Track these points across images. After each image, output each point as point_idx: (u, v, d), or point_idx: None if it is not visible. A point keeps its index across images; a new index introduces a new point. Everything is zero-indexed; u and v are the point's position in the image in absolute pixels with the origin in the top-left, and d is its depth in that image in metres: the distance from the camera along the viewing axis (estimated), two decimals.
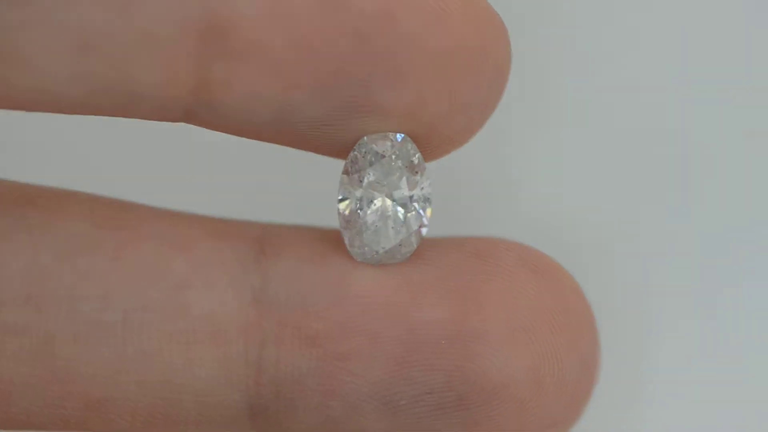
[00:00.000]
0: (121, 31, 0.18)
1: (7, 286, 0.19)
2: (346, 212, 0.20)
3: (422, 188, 0.20)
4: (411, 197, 0.20)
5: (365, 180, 0.20)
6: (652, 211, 0.26)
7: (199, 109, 0.19)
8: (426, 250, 0.20)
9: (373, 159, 0.20)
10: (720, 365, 0.25)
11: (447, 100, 0.19)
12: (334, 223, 0.20)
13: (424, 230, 0.20)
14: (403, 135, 0.20)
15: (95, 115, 0.19)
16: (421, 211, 0.20)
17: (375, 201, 0.20)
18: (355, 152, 0.20)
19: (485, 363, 0.19)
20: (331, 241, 0.20)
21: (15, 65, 0.18)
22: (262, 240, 0.20)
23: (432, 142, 0.20)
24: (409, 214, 0.20)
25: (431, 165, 0.20)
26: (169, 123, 0.19)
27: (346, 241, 0.20)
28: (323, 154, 0.20)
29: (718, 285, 0.26)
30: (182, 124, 0.19)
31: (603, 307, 0.21)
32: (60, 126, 0.21)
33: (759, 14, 0.27)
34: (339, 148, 0.20)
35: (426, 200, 0.20)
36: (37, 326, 0.19)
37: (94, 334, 0.19)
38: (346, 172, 0.20)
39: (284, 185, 0.22)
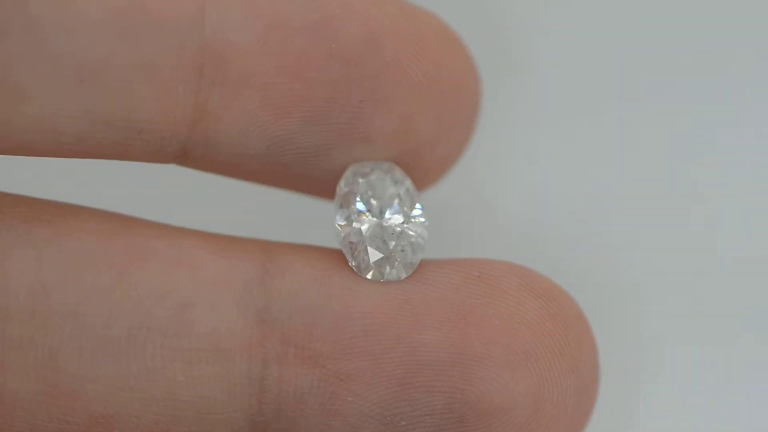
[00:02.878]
0: (120, 61, 0.18)
1: (12, 301, 0.19)
2: (345, 236, 0.20)
3: (413, 210, 0.20)
4: (403, 219, 0.20)
5: (356, 207, 0.20)
6: (647, 224, 0.26)
7: (195, 144, 0.19)
8: (428, 271, 0.20)
9: (362, 187, 0.20)
10: (719, 381, 0.25)
11: (431, 125, 0.20)
12: (337, 242, 0.20)
13: (422, 240, 0.20)
14: (390, 163, 0.20)
15: (93, 157, 0.19)
16: (417, 228, 0.20)
17: (371, 226, 0.20)
18: (344, 182, 0.20)
19: (485, 386, 0.19)
20: (334, 260, 0.20)
21: (15, 98, 0.18)
22: (267, 259, 0.20)
23: (418, 170, 0.20)
24: (406, 228, 0.20)
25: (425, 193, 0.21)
26: None
27: (352, 264, 0.20)
28: (309, 192, 0.21)
29: (715, 304, 0.26)
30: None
31: (600, 325, 0.21)
32: None
33: (759, 15, 0.27)
34: (324, 184, 0.20)
35: (419, 219, 0.20)
36: (41, 342, 0.19)
37: (99, 350, 0.19)
38: (337, 201, 0.20)
39: (289, 204, 0.22)
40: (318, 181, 0.20)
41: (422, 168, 0.21)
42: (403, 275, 0.20)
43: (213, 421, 0.20)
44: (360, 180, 0.20)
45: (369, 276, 0.20)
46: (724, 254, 0.26)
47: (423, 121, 0.20)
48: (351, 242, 0.20)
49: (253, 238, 0.21)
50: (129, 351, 0.19)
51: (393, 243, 0.20)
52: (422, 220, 0.20)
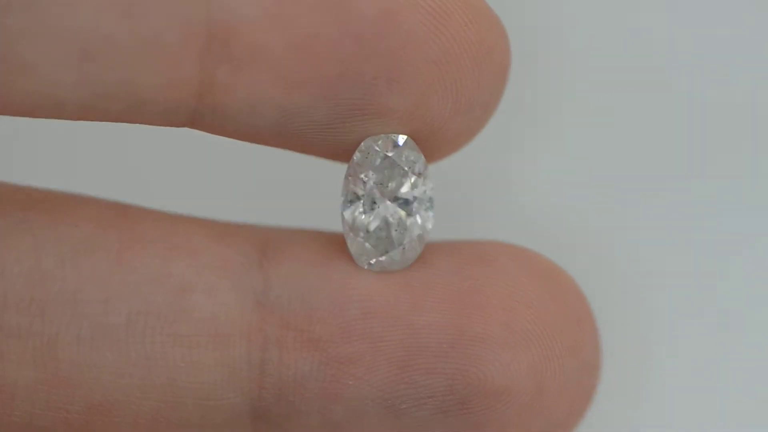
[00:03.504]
0: (124, 37, 0.18)
1: (10, 289, 0.19)
2: (350, 218, 0.20)
3: (425, 190, 0.20)
4: (414, 198, 0.20)
5: (368, 182, 0.20)
6: (652, 212, 0.26)
7: (203, 114, 0.19)
8: (427, 253, 0.20)
9: (375, 161, 0.20)
10: (721, 365, 0.25)
11: (450, 102, 0.19)
12: (337, 226, 0.20)
13: (426, 234, 0.20)
14: (405, 137, 0.20)
15: (99, 120, 0.19)
16: (422, 218, 0.20)
17: (378, 205, 0.20)
18: (358, 154, 0.20)
19: (487, 367, 0.19)
20: (333, 244, 0.20)
21: (18, 71, 0.18)
22: (265, 243, 0.20)
23: (434, 144, 0.20)
24: (411, 218, 0.20)
25: (432, 167, 0.20)
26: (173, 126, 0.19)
27: (350, 249, 0.20)
28: (325, 158, 0.20)
29: (718, 284, 0.26)
30: (186, 128, 0.20)
31: (604, 309, 0.21)
32: (63, 128, 0.21)
33: (759, 15, 0.27)
34: (341, 152, 0.20)
35: (429, 201, 0.20)
36: (40, 329, 0.19)
37: (98, 337, 0.19)
38: (348, 174, 0.20)
39: (287, 189, 0.22)
40: (333, 148, 0.20)
41: (440, 140, 0.20)
42: (405, 266, 0.20)
43: (213, 406, 0.20)
44: (370, 158, 0.20)
45: (372, 262, 0.20)
46: (729, 247, 0.26)
47: (440, 99, 0.19)
48: (355, 230, 0.20)
49: (251, 223, 0.21)
50: (128, 338, 0.19)
51: (396, 232, 0.20)
52: (429, 207, 0.20)
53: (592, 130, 0.26)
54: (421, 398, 0.19)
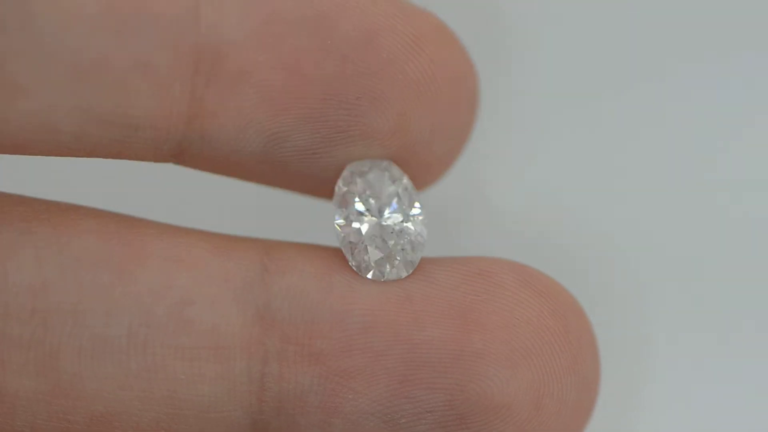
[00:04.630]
0: (117, 59, 0.18)
1: (12, 299, 0.19)
2: (343, 235, 0.20)
3: (412, 208, 0.20)
4: (403, 213, 0.20)
5: (355, 206, 0.20)
6: (648, 221, 0.26)
7: (192, 142, 0.19)
8: (428, 269, 0.20)
9: (360, 185, 0.20)
10: (720, 380, 0.25)
11: (428, 123, 0.20)
12: (337, 242, 0.20)
13: (422, 238, 0.20)
14: (388, 161, 0.20)
15: (91, 156, 0.19)
16: (417, 226, 0.20)
17: (371, 218, 0.20)
18: (341, 182, 0.20)
19: (486, 383, 0.19)
20: (334, 258, 0.20)
21: (11, 94, 0.18)
22: (267, 256, 0.20)
23: (416, 169, 0.20)
24: (406, 226, 0.20)
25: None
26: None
27: (351, 262, 0.20)
28: (307, 192, 0.21)
29: (716, 302, 0.26)
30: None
31: (600, 321, 0.21)
32: None
33: (759, 16, 0.27)
34: (323, 182, 0.20)
35: (419, 216, 0.20)
36: (41, 340, 0.19)
37: (99, 348, 0.19)
38: (336, 200, 0.20)
39: (289, 202, 0.22)
40: (316, 179, 0.20)
41: (421, 165, 0.21)
42: (404, 274, 0.20)
43: (213, 419, 0.20)
44: (358, 179, 0.20)
45: (369, 275, 0.20)
46: (727, 250, 0.26)
47: (420, 118, 0.20)
48: (350, 242, 0.20)
49: (252, 236, 0.21)
50: (129, 349, 0.19)
51: (392, 242, 0.20)
52: (421, 218, 0.20)
53: (586, 139, 0.26)
54: (421, 413, 0.20)
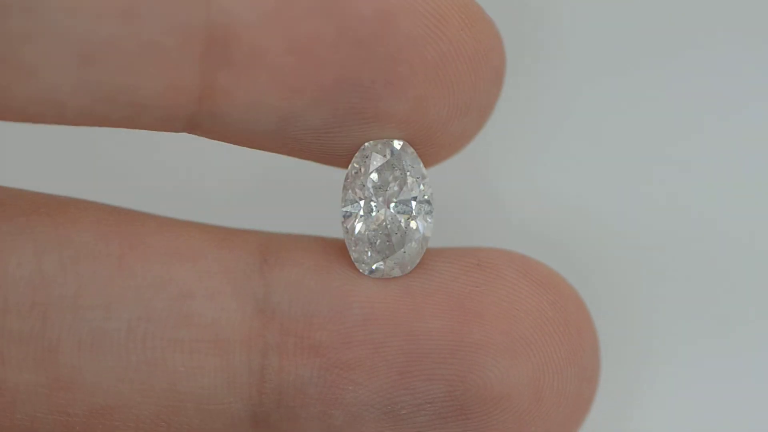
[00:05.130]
0: (124, 41, 0.18)
1: (11, 293, 0.19)
2: (350, 225, 0.20)
3: (423, 194, 0.20)
4: (413, 202, 0.20)
5: (367, 187, 0.20)
6: (651, 215, 0.26)
7: (203, 119, 0.19)
8: (428, 259, 0.20)
9: (374, 166, 0.20)
10: (721, 370, 0.25)
11: (446, 105, 0.19)
12: (337, 232, 0.20)
13: (426, 239, 0.20)
14: (403, 142, 0.20)
15: (100, 126, 0.19)
16: (421, 223, 0.20)
17: (377, 210, 0.20)
18: (356, 160, 0.20)
19: (486, 373, 0.19)
20: (334, 250, 0.20)
21: (18, 74, 0.18)
22: (266, 249, 0.20)
23: (431, 148, 0.20)
24: (411, 222, 0.20)
25: (430, 172, 0.20)
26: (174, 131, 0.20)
27: (351, 255, 0.20)
28: (324, 163, 0.20)
29: (716, 290, 0.26)
30: (186, 133, 0.20)
31: (602, 315, 0.21)
32: (65, 133, 0.21)
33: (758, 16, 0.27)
34: (340, 157, 0.20)
35: (428, 205, 0.20)
36: (41, 334, 0.19)
37: (98, 342, 0.19)
38: (348, 179, 0.20)
39: (288, 194, 0.22)
40: (331, 154, 0.20)
41: (436, 145, 0.20)
42: (406, 271, 0.20)
43: (213, 411, 0.20)
44: (368, 163, 0.20)
45: (373, 268, 0.20)
46: (728, 247, 0.26)
47: (438, 101, 0.19)
48: (355, 235, 0.20)
49: (252, 229, 0.21)
50: (128, 342, 0.19)
51: (396, 237, 0.20)
52: (429, 210, 0.20)
53: (589, 133, 0.26)
54: (421, 404, 0.19)
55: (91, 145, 0.23)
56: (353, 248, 0.20)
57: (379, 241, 0.20)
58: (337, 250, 0.20)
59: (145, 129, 0.19)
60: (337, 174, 0.20)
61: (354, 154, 0.20)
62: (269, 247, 0.20)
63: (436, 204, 0.20)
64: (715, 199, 0.26)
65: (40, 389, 0.19)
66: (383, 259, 0.20)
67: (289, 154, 0.20)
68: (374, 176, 0.20)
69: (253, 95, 0.19)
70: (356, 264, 0.20)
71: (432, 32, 0.19)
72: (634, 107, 0.26)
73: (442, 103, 0.19)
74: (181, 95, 0.19)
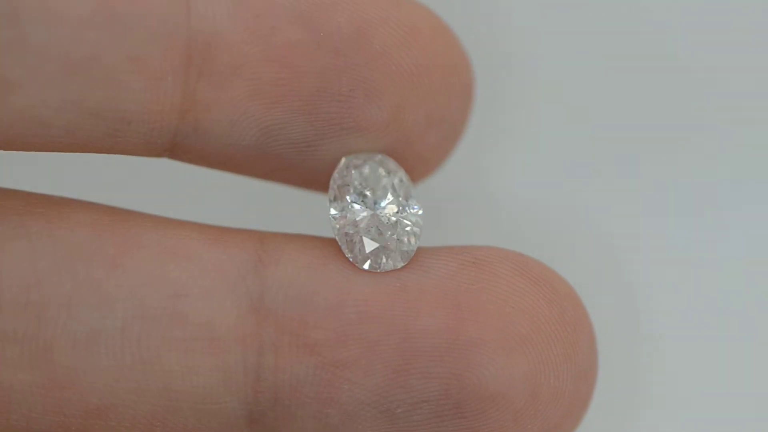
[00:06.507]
0: (107, 54, 0.18)
1: (6, 293, 0.19)
2: (339, 227, 0.20)
3: (408, 200, 0.20)
4: (398, 205, 0.20)
5: (350, 199, 0.20)
6: (647, 212, 0.26)
7: (185, 135, 0.19)
8: (423, 258, 0.20)
9: (355, 178, 0.20)
10: (719, 369, 0.25)
11: (423, 114, 0.20)
12: (332, 231, 0.20)
13: (418, 229, 0.20)
14: (382, 154, 0.20)
15: (83, 150, 0.19)
16: (411, 216, 0.20)
17: (364, 214, 0.20)
18: (337, 174, 0.20)
19: (482, 371, 0.19)
20: (329, 249, 0.20)
21: (1, 91, 0.18)
22: (261, 248, 0.20)
23: (411, 162, 0.20)
24: (401, 216, 0.20)
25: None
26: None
27: (343, 250, 0.20)
28: (304, 186, 0.21)
29: (713, 287, 0.26)
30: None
31: (599, 313, 0.21)
32: None
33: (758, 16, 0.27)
34: (318, 175, 0.20)
35: (413, 209, 0.20)
36: (36, 334, 0.19)
37: (93, 341, 0.19)
38: (331, 193, 0.20)
39: (283, 193, 0.22)
40: (311, 172, 0.20)
41: (415, 158, 0.21)
42: (400, 265, 0.20)
43: (209, 410, 0.20)
44: (353, 172, 0.20)
45: (366, 266, 0.20)
46: (728, 247, 0.26)
47: (414, 110, 0.20)
48: (346, 233, 0.20)
49: (246, 228, 0.21)
50: (123, 342, 0.19)
51: (389, 233, 0.20)
52: (417, 208, 0.20)
53: (580, 130, 0.26)
54: (417, 402, 0.19)
55: None
56: (347, 246, 0.20)
57: (371, 236, 0.20)
58: (332, 248, 0.20)
59: (127, 153, 0.19)
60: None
61: (332, 172, 0.20)
62: (264, 246, 0.20)
63: (432, 205, 0.20)
64: (716, 199, 0.26)
65: (35, 389, 0.19)
66: (378, 254, 0.20)
67: (267, 176, 0.20)
68: (357, 185, 0.20)
69: (233, 107, 0.19)
70: (353, 262, 0.20)
71: (406, 42, 0.20)
72: (631, 105, 0.26)
73: (418, 111, 0.20)
74: (164, 109, 0.19)
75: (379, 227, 0.20)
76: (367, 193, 0.20)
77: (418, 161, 0.21)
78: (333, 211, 0.20)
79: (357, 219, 0.20)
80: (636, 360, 0.25)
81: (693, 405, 0.25)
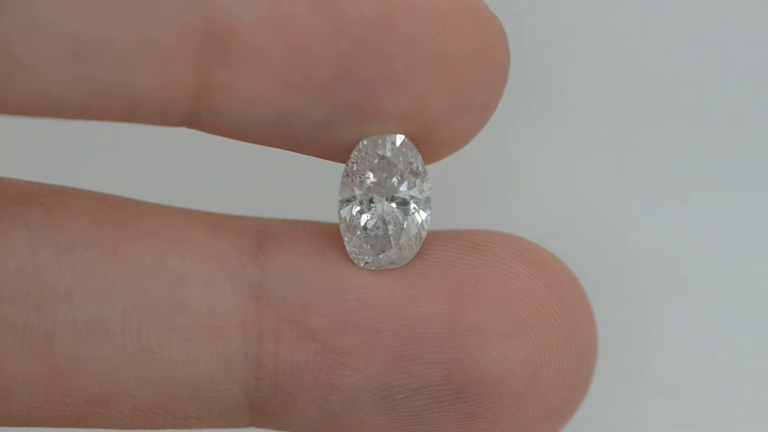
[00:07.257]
0: (119, 38, 0.18)
1: (6, 283, 0.19)
2: (347, 217, 0.20)
3: (422, 191, 0.20)
4: (411, 198, 0.20)
5: (366, 182, 0.20)
6: (652, 206, 0.26)
7: (200, 114, 0.19)
8: (423, 243, 0.20)
9: (373, 161, 0.20)
10: (720, 360, 0.25)
11: (447, 103, 0.19)
12: (333, 218, 0.20)
13: (423, 234, 0.20)
14: (403, 137, 0.20)
15: (98, 120, 0.19)
16: (420, 216, 0.20)
17: (375, 204, 0.20)
18: (355, 154, 0.20)
19: (482, 356, 0.19)
20: (329, 236, 0.20)
21: (14, 72, 0.18)
22: (261, 235, 0.20)
23: (432, 144, 0.20)
24: (408, 218, 0.20)
25: (430, 165, 0.20)
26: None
27: (347, 247, 0.20)
28: (323, 158, 0.20)
29: (716, 275, 0.26)
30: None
31: (601, 301, 0.21)
32: (60, 124, 0.21)
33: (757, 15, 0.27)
34: (339, 152, 0.20)
35: (426, 201, 0.20)
36: (36, 323, 0.19)
37: (94, 330, 0.19)
38: (347, 174, 0.20)
39: (283, 180, 0.22)
40: (331, 149, 0.20)
41: (436, 141, 0.20)
42: (403, 263, 0.20)
43: (210, 398, 0.20)
44: (368, 158, 0.20)
45: (368, 261, 0.20)
46: (727, 246, 0.26)
47: (438, 97, 0.19)
48: (352, 228, 0.20)
49: (246, 215, 0.21)
50: (124, 331, 0.19)
51: (393, 231, 0.20)
52: (428, 200, 0.20)
53: (590, 125, 0.26)
54: (417, 388, 0.19)
55: (85, 134, 0.23)
56: (350, 241, 0.20)
57: (375, 234, 0.20)
58: (333, 235, 0.20)
59: (142, 123, 0.19)
60: (336, 165, 0.20)
61: (353, 149, 0.20)
62: (264, 233, 0.20)
63: (434, 191, 0.20)
64: (717, 198, 0.26)
65: (36, 379, 0.19)
66: (379, 253, 0.20)
67: (287, 148, 0.20)
68: (373, 171, 0.20)
69: (250, 92, 0.19)
70: (352, 257, 0.20)
71: (432, 30, 0.19)
72: (636, 104, 0.26)
73: (442, 101, 0.19)
74: (178, 92, 0.19)
75: (385, 226, 0.20)
76: (379, 186, 0.20)
77: (440, 144, 0.20)
78: (342, 201, 0.20)
79: (365, 214, 0.20)
80: (636, 344, 0.25)
81: (693, 388, 0.25)
